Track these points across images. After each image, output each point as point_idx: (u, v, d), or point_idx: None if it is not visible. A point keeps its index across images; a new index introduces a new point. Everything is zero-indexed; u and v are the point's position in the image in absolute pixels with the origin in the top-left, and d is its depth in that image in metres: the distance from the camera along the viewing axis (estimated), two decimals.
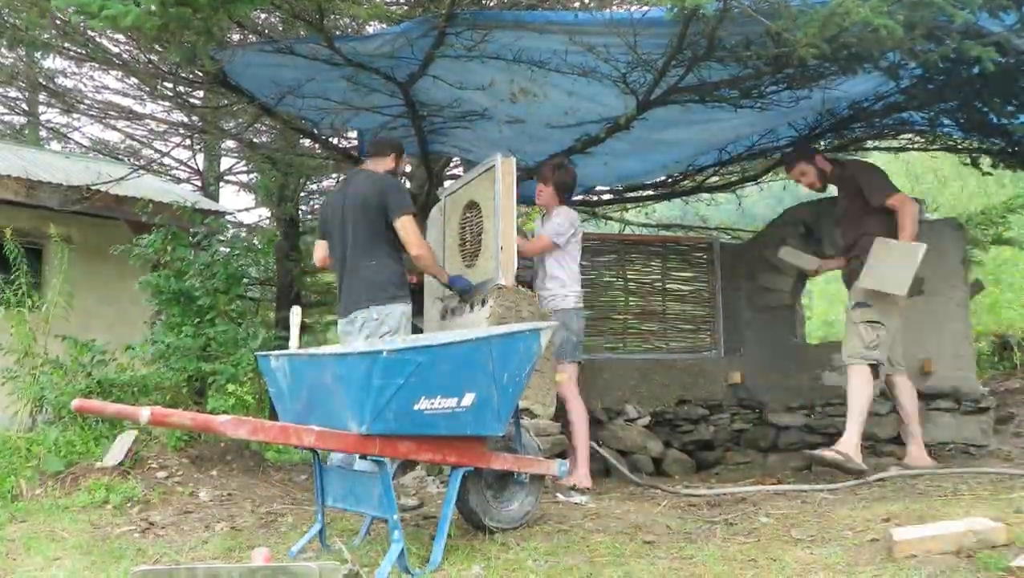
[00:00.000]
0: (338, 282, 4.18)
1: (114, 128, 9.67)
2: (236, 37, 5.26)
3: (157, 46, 4.96)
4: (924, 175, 17.73)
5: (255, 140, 8.43)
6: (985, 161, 5.72)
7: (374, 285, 3.97)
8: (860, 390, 4.55)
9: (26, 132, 11.09)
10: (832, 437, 5.65)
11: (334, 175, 9.49)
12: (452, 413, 2.71)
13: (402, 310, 4.00)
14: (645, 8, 3.89)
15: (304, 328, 10.37)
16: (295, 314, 3.31)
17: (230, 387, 7.22)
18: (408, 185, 7.06)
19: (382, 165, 4.27)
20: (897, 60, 4.28)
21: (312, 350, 3.25)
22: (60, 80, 8.18)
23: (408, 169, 4.60)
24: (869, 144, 7.04)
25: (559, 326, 4.60)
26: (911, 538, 2.48)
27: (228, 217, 9.72)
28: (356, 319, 4.02)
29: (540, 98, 4.90)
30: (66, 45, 5.28)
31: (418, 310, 5.47)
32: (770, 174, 7.86)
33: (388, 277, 4.00)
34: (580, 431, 4.66)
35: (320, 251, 4.35)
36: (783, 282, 6.18)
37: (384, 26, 4.89)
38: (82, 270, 6.33)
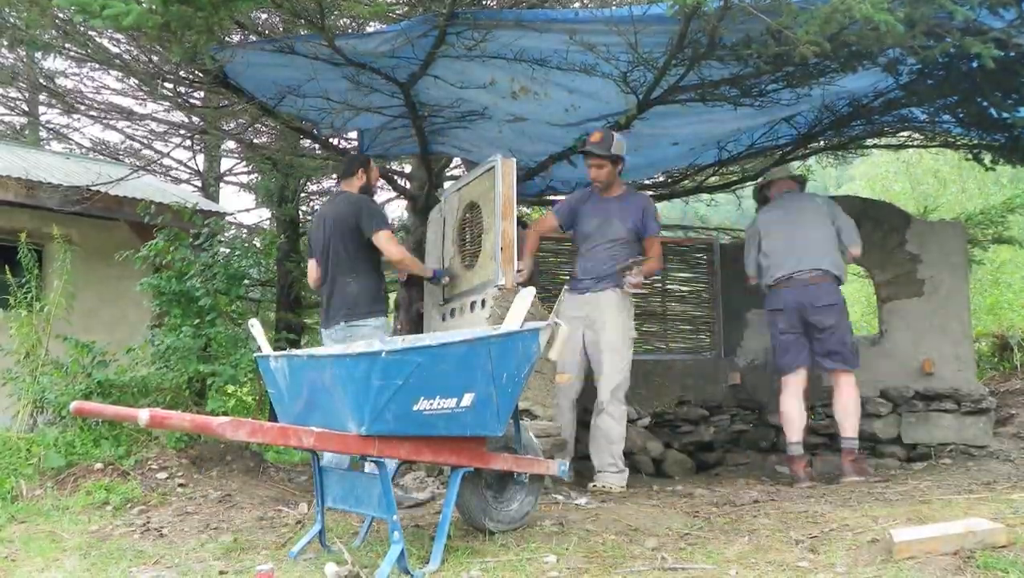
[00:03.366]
0: (324, 296, 4.49)
1: (114, 129, 9.67)
2: (236, 38, 5.25)
3: (158, 46, 4.96)
4: (924, 176, 17.76)
5: (255, 141, 8.43)
6: (986, 157, 5.72)
7: (351, 301, 4.32)
8: None
9: (26, 133, 11.09)
10: (832, 437, 5.67)
11: (335, 176, 9.48)
12: (451, 413, 2.70)
13: (374, 325, 4.29)
14: (646, 5, 3.89)
15: (303, 329, 10.38)
16: (255, 326, 3.32)
17: (230, 388, 7.20)
18: (408, 185, 7.07)
19: (355, 184, 4.53)
20: (897, 55, 4.28)
21: (311, 351, 3.25)
22: (60, 80, 8.19)
23: (377, 179, 4.91)
24: (869, 142, 7.03)
25: None
26: (910, 539, 2.47)
27: (228, 218, 9.71)
28: (334, 334, 4.34)
29: (541, 96, 4.90)
30: (66, 45, 5.27)
31: (419, 296, 5.54)
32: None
33: (364, 293, 4.32)
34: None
35: (313, 272, 4.63)
36: None
37: (385, 26, 4.89)
38: (83, 271, 6.32)
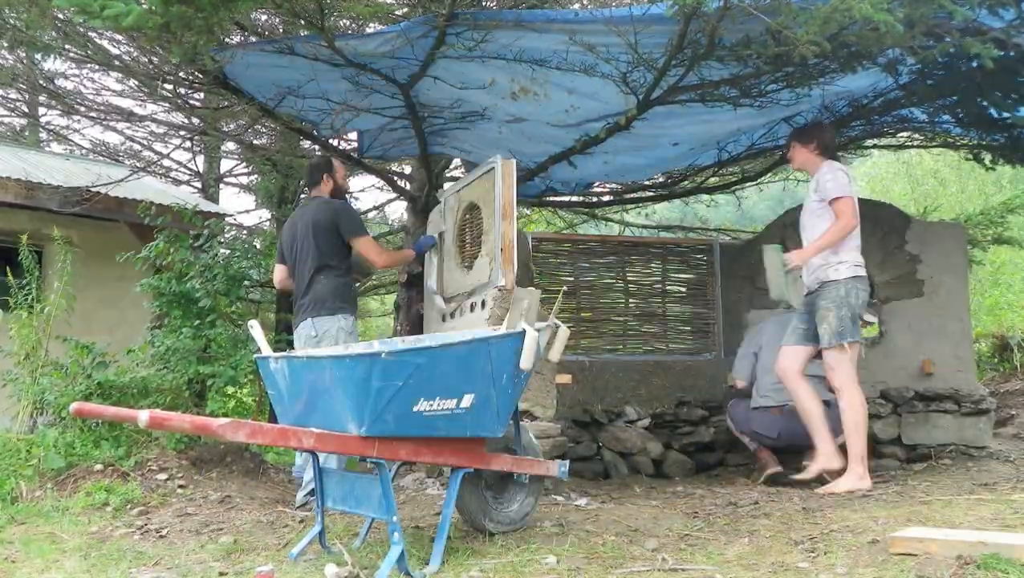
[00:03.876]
0: (296, 296, 4.50)
1: (114, 130, 9.67)
2: (236, 39, 5.25)
3: (158, 47, 4.96)
4: (924, 177, 17.76)
5: (255, 142, 8.43)
6: (986, 157, 5.72)
7: (320, 297, 4.32)
8: None
9: (26, 134, 11.08)
10: None
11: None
12: (451, 414, 2.70)
13: (339, 324, 4.27)
14: (646, 5, 3.88)
15: None
16: (255, 328, 3.32)
17: (230, 389, 7.19)
18: (408, 186, 7.07)
19: (325, 189, 4.56)
20: (896, 56, 4.28)
21: (311, 352, 3.25)
22: (60, 82, 8.18)
23: (345, 178, 4.89)
24: (869, 143, 7.04)
25: (839, 300, 4.19)
26: (910, 537, 2.46)
27: (228, 219, 9.70)
28: (301, 330, 4.35)
29: (541, 97, 4.90)
30: (66, 46, 5.27)
31: (419, 298, 5.54)
32: (769, 175, 7.85)
33: (332, 290, 4.32)
34: (853, 421, 4.19)
35: (279, 274, 4.64)
36: None
37: (385, 26, 4.89)
38: (83, 272, 6.32)
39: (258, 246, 8.83)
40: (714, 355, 6.42)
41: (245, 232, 11.12)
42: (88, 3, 3.38)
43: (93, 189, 6.99)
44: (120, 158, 10.05)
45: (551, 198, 7.61)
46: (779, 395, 4.80)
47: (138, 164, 9.19)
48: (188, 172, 10.88)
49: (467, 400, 2.73)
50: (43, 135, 11.20)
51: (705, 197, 8.49)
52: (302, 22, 4.42)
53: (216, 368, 5.04)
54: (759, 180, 7.85)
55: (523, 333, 2.89)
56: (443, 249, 5.11)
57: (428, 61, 4.56)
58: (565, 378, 4.66)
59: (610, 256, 6.60)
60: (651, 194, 8.27)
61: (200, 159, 10.81)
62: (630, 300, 6.59)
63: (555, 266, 6.43)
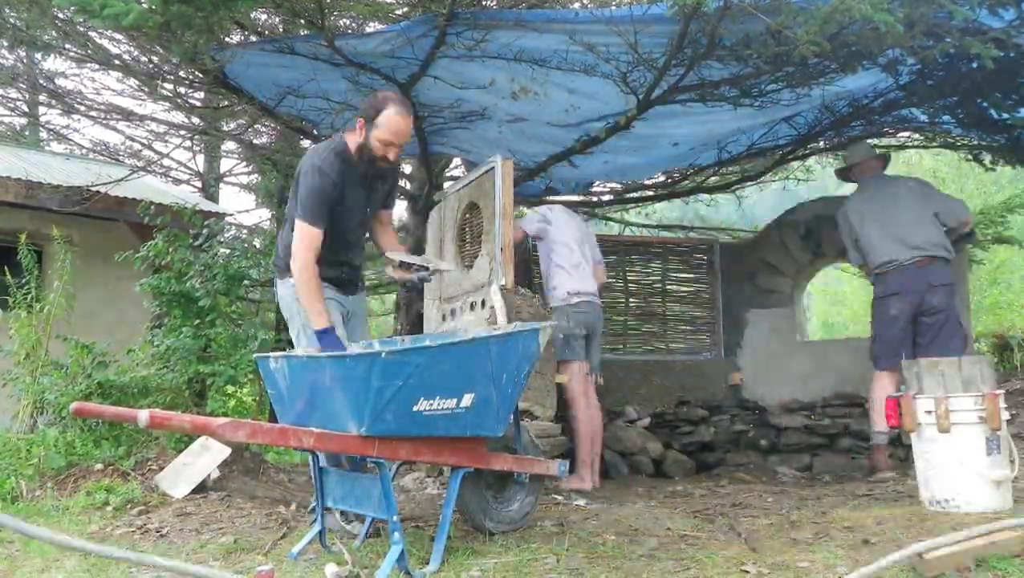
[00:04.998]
0: (345, 260, 3.46)
1: (114, 129, 9.66)
2: (236, 38, 5.25)
3: (158, 46, 4.96)
4: (923, 177, 17.75)
5: (255, 141, 8.43)
6: (986, 158, 5.71)
7: (361, 273, 3.65)
8: None
9: (26, 134, 11.08)
10: (832, 437, 5.66)
11: None
12: (451, 414, 2.70)
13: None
14: (646, 5, 3.88)
15: None
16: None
17: (229, 389, 7.18)
18: (408, 186, 7.07)
19: (351, 136, 3.32)
20: (896, 56, 4.28)
21: (311, 351, 3.24)
22: (60, 81, 8.18)
23: (380, 146, 3.28)
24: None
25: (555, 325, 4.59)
26: (943, 556, 2.42)
27: (228, 219, 9.70)
28: (355, 302, 3.56)
29: (541, 97, 4.90)
30: (66, 46, 5.27)
31: (419, 297, 5.51)
32: (769, 174, 7.86)
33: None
34: (581, 432, 4.61)
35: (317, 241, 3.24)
36: (783, 283, 6.18)
37: (384, 26, 4.89)
38: (83, 271, 6.33)
39: (258, 245, 8.83)
40: (714, 355, 6.42)
41: (245, 232, 11.12)
42: (88, 2, 3.38)
43: (93, 188, 6.99)
44: (120, 157, 10.04)
45: (551, 198, 7.61)
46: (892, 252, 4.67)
47: (138, 163, 9.18)
48: (188, 171, 10.88)
49: (467, 399, 2.73)
50: (43, 135, 11.20)
51: (705, 197, 8.49)
52: (302, 21, 4.42)
53: (216, 367, 5.05)
54: (759, 180, 7.85)
55: (524, 333, 2.89)
56: (443, 249, 5.11)
57: (428, 61, 4.56)
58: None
59: (610, 256, 6.59)
60: (651, 194, 8.28)
61: (200, 158, 10.81)
62: (630, 300, 6.59)
63: None
